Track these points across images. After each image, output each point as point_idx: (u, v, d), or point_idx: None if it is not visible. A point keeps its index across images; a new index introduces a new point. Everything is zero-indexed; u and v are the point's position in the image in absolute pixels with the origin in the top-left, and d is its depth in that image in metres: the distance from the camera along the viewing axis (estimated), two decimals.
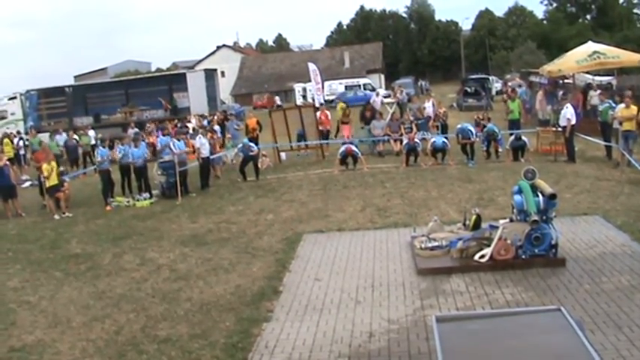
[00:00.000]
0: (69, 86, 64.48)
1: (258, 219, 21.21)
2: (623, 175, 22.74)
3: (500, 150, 29.11)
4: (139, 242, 19.50)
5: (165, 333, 12.31)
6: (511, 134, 29.31)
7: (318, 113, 35.57)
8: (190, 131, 36.17)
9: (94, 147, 35.30)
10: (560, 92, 38.05)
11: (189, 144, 29.12)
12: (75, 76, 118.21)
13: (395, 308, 12.66)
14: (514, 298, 12.64)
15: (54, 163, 25.69)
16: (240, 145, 29.75)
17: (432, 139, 29.36)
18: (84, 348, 11.91)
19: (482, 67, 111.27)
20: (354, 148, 29.37)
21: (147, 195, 26.49)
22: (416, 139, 29.53)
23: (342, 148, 29.58)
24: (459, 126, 30.04)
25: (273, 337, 11.72)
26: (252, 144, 29.79)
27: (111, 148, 29.82)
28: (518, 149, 28.42)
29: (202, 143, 27.84)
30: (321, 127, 34.75)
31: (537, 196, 14.45)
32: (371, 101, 42.25)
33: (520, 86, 47.00)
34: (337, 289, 13.97)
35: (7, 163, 27.34)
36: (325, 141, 34.30)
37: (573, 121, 27.14)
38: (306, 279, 14.84)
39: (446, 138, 29.38)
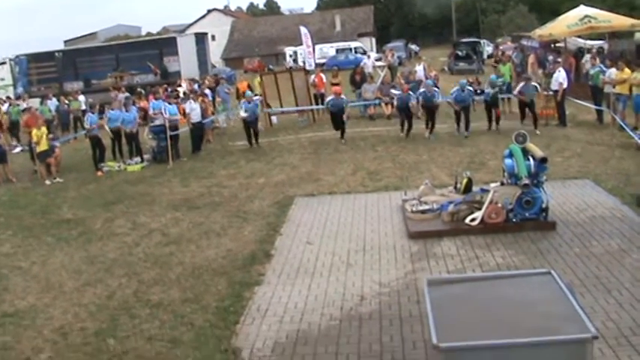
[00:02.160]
0: (59, 51, 64.00)
1: (249, 183, 21.23)
2: (614, 139, 22.78)
3: (500, 110, 28.36)
4: (131, 207, 19.50)
5: (158, 297, 12.35)
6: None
7: (313, 76, 35.30)
8: (181, 95, 35.96)
9: (84, 112, 35.12)
10: (551, 56, 37.96)
11: (181, 108, 28.95)
12: (65, 41, 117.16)
13: (386, 271, 12.72)
14: (505, 262, 12.71)
15: (44, 129, 25.58)
16: (244, 102, 28.46)
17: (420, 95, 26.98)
18: (76, 313, 11.94)
19: (474, 30, 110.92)
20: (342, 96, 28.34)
21: (138, 159, 26.45)
22: (410, 92, 27.59)
23: (330, 97, 28.56)
24: (454, 90, 27.36)
25: (265, 300, 11.77)
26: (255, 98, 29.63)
27: (101, 113, 29.65)
28: (527, 105, 26.68)
29: (193, 108, 27.68)
30: (314, 91, 34.53)
31: (528, 159, 14.49)
32: (362, 64, 42.18)
33: (516, 48, 46.79)
34: (328, 253, 14.03)
35: None
36: (317, 106, 34.05)
37: (565, 85, 27.12)
38: (298, 242, 14.89)
39: (436, 87, 28.81)
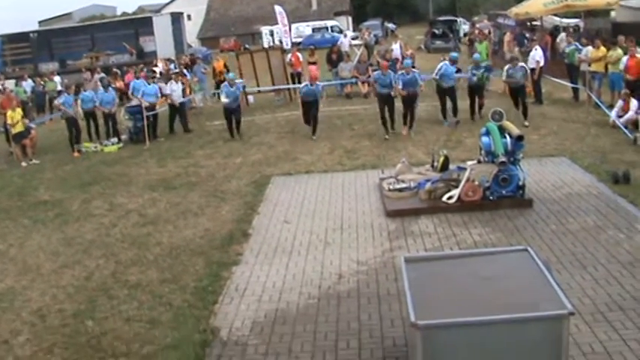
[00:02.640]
0: (34, 32, 63.75)
1: (226, 162, 21.20)
2: (590, 117, 22.87)
3: (487, 89, 27.53)
4: (108, 188, 19.43)
5: (136, 278, 12.33)
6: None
7: (290, 55, 35.25)
8: (157, 75, 35.82)
9: (60, 93, 34.86)
10: (527, 34, 38.06)
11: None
12: (39, 22, 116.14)
13: (364, 250, 12.77)
14: (482, 239, 12.78)
15: (19, 110, 25.45)
16: (225, 85, 26.49)
17: (400, 78, 23.36)
18: (54, 295, 11.91)
19: (450, 9, 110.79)
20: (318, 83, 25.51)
21: (115, 140, 26.33)
22: (389, 70, 24.54)
23: (304, 84, 25.99)
24: (441, 65, 24.65)
25: (243, 280, 11.79)
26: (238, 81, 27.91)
27: (77, 93, 29.46)
28: (519, 90, 24.04)
29: (173, 90, 27.66)
30: (291, 70, 34.61)
31: (505, 137, 14.53)
32: (339, 43, 42.16)
33: (494, 26, 46.78)
34: (306, 232, 14.06)
35: None
36: (293, 85, 33.99)
37: (542, 63, 27.16)
38: (275, 221, 14.92)
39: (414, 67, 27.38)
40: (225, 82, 26.64)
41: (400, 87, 23.05)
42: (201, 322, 10.24)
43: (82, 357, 9.52)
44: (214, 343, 9.57)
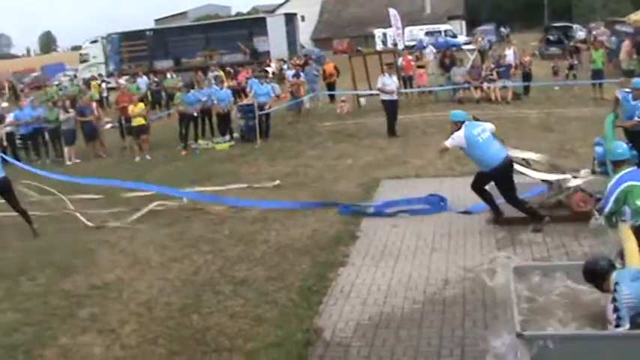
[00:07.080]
0: (150, 30, 65.45)
1: (336, 164, 21.26)
2: None
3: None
4: (217, 184, 19.62)
5: (242, 275, 12.44)
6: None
7: (401, 59, 35.22)
8: (270, 75, 36.32)
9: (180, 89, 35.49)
10: None
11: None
12: (155, 20, 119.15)
13: (471, 257, 12.61)
14: (592, 251, 12.49)
15: (140, 104, 26.14)
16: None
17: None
18: (162, 288, 12.11)
19: (566, 15, 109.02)
20: None
21: (227, 138, 26.68)
22: None
23: None
24: None
25: (349, 281, 11.78)
26: None
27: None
28: None
29: (386, 84, 26.03)
30: (403, 73, 34.41)
31: None
32: (425, 52, 42.19)
33: (614, 33, 45.78)
34: (413, 236, 13.96)
35: (94, 104, 27.98)
36: (405, 89, 33.94)
37: None
38: (383, 225, 14.83)
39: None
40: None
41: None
42: (305, 321, 10.27)
43: (186, 350, 9.67)
44: (317, 343, 9.59)
